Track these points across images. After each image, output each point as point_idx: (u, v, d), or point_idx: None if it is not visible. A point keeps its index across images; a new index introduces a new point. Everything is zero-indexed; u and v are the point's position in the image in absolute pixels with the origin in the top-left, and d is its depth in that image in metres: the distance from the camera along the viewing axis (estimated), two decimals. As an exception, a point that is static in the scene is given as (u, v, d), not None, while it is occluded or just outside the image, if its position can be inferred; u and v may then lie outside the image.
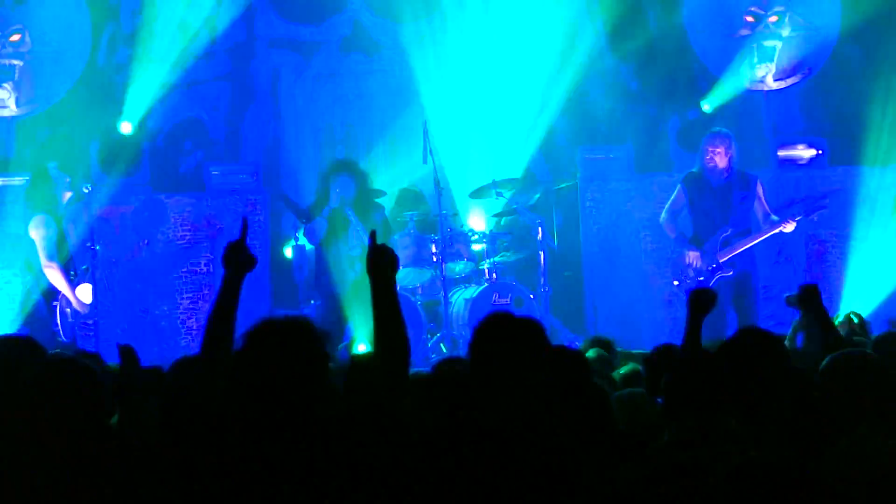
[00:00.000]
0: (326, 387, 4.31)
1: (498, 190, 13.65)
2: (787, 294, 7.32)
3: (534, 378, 4.46)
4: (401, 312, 4.78)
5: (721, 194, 11.57)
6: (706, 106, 14.82)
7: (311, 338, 4.31)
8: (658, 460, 4.68)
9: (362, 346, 11.49)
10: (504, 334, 4.55)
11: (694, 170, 11.88)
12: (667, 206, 12.18)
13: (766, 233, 11.57)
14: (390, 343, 4.73)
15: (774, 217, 11.68)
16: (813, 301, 6.92)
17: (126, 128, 14.39)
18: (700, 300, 6.42)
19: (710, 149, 11.62)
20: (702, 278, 11.50)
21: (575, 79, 15.28)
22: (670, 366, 5.28)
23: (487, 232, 13.86)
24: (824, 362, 5.29)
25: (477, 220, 14.53)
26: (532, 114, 15.25)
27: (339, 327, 11.78)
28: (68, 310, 11.09)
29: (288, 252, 14.13)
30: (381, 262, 4.80)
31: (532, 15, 15.26)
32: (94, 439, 4.68)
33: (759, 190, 11.71)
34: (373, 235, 4.95)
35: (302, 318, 4.38)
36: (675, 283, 11.86)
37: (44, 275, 11.06)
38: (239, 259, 4.83)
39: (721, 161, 11.58)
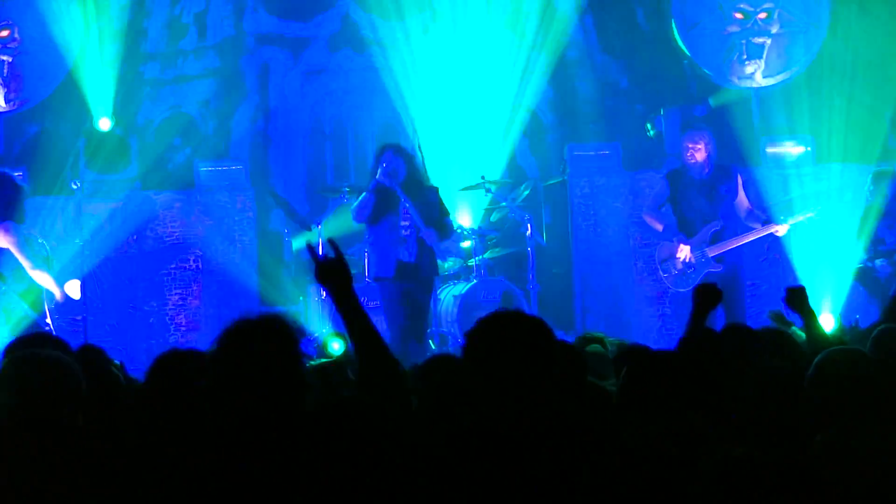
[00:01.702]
0: (300, 385, 4.27)
1: (487, 186, 13.66)
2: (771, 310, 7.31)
3: (537, 381, 4.42)
4: (366, 316, 4.76)
5: (706, 189, 11.56)
6: (711, 102, 14.88)
7: (283, 337, 4.27)
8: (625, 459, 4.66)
9: (336, 345, 11.40)
10: (510, 335, 4.48)
11: (677, 166, 11.91)
12: (649, 199, 12.18)
13: (759, 233, 11.55)
14: (367, 350, 4.73)
15: (760, 213, 11.69)
16: (799, 303, 6.96)
17: (104, 124, 14.35)
18: (707, 295, 6.43)
19: (690, 145, 11.61)
20: (690, 271, 11.51)
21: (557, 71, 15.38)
22: (629, 361, 5.24)
23: (476, 228, 13.87)
24: (818, 358, 5.27)
25: (465, 217, 14.53)
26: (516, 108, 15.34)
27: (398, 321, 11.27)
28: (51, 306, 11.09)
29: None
30: (329, 275, 4.75)
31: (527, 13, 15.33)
32: (81, 437, 4.68)
33: (740, 181, 11.72)
34: (331, 244, 4.88)
35: (276, 316, 4.34)
36: (664, 275, 11.83)
37: (25, 279, 10.96)
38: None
39: (701, 156, 11.57)
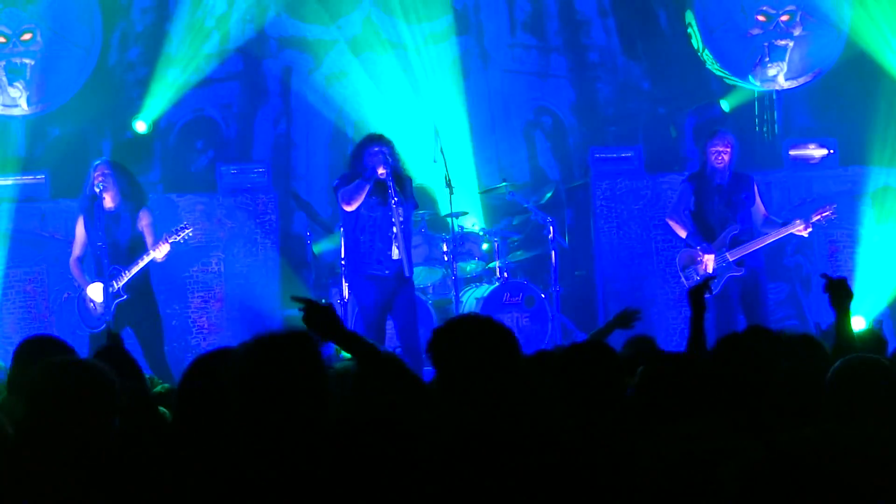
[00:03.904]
0: (324, 400, 4.24)
1: (509, 189, 13.66)
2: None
3: (500, 382, 4.49)
4: (368, 346, 4.83)
5: (726, 194, 11.56)
6: (724, 105, 14.82)
7: (307, 352, 4.26)
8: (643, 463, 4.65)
9: None
10: (463, 339, 4.58)
11: (698, 170, 11.89)
12: (673, 203, 12.18)
13: (780, 233, 11.55)
14: (381, 374, 4.76)
15: (776, 219, 11.69)
16: (837, 296, 6.73)
17: (141, 126, 14.41)
18: (700, 295, 6.42)
19: (721, 148, 11.59)
20: (713, 278, 11.48)
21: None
22: (645, 361, 5.22)
23: (498, 231, 13.86)
24: (836, 365, 5.23)
25: (488, 220, 14.54)
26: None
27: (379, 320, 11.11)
28: (92, 304, 11.30)
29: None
30: (318, 323, 4.80)
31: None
32: (104, 441, 4.67)
33: (756, 189, 11.74)
34: (303, 302, 4.90)
35: (299, 330, 4.33)
36: (686, 283, 11.77)
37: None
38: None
39: (728, 158, 11.58)
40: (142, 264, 11.24)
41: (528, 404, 4.61)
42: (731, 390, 5.19)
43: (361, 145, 11.22)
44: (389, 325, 11.31)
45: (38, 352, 5.84)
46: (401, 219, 10.97)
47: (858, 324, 10.47)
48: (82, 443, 4.57)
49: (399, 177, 11.11)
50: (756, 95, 15.12)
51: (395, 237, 10.90)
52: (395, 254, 10.96)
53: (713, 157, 11.61)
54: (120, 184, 11.36)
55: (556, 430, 4.56)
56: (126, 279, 11.22)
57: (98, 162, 11.53)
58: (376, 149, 11.03)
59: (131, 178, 11.59)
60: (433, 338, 4.66)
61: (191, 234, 11.47)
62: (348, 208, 11.11)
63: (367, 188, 10.93)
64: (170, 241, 11.23)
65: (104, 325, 11.09)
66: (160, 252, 11.19)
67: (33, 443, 4.59)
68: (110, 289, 11.15)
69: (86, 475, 4.51)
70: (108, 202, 11.33)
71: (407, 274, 10.98)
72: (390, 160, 10.97)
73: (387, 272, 11.01)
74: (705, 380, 4.96)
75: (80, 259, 11.48)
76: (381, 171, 10.87)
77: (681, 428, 4.76)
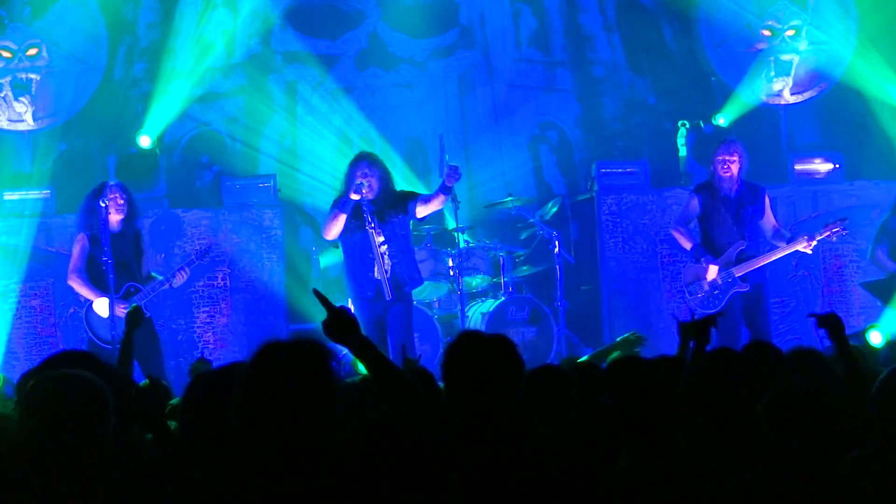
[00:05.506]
0: (334, 408, 4.24)
1: (514, 203, 13.65)
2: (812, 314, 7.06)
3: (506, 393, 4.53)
4: (388, 364, 4.85)
5: (734, 206, 11.48)
6: (721, 119, 14.78)
7: (317, 360, 4.24)
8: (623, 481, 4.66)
9: None
10: (472, 354, 4.71)
11: (706, 181, 11.81)
12: (678, 213, 12.14)
13: (784, 250, 11.47)
14: (393, 393, 4.76)
15: (785, 232, 11.64)
16: (832, 330, 6.70)
17: (145, 141, 14.41)
18: (704, 331, 6.39)
19: (727, 157, 11.49)
20: (717, 292, 11.43)
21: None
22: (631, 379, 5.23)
23: (504, 245, 13.84)
24: (883, 374, 5.16)
25: (493, 234, 14.52)
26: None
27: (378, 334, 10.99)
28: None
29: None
30: (339, 331, 4.77)
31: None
32: (104, 455, 4.66)
33: (767, 201, 11.65)
34: (324, 303, 4.87)
35: (309, 339, 4.32)
36: (690, 297, 11.70)
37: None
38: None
39: (735, 168, 11.48)
40: (159, 289, 11.36)
41: (529, 419, 4.64)
42: (717, 402, 5.20)
43: (348, 167, 11.29)
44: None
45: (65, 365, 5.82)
46: (381, 239, 11.01)
47: (876, 338, 10.44)
48: (76, 455, 4.56)
49: (386, 196, 11.15)
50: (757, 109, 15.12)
51: (376, 260, 10.93)
52: (377, 274, 10.98)
53: (720, 167, 11.51)
54: (132, 205, 11.44)
55: (556, 445, 4.58)
56: (148, 298, 11.29)
57: (112, 183, 11.54)
58: (355, 171, 11.11)
59: (134, 198, 11.66)
60: (451, 349, 4.75)
61: (213, 253, 11.65)
62: (327, 237, 11.33)
63: (341, 216, 11.02)
64: (191, 267, 11.60)
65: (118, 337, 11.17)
66: (179, 281, 11.45)
67: (29, 455, 4.58)
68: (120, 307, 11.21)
69: (79, 487, 4.50)
70: (115, 222, 11.34)
71: (388, 297, 10.98)
72: (366, 181, 11.00)
73: (369, 294, 11.06)
74: (692, 390, 4.97)
75: (80, 270, 11.45)
76: (353, 196, 10.95)
77: (684, 446, 4.76)
